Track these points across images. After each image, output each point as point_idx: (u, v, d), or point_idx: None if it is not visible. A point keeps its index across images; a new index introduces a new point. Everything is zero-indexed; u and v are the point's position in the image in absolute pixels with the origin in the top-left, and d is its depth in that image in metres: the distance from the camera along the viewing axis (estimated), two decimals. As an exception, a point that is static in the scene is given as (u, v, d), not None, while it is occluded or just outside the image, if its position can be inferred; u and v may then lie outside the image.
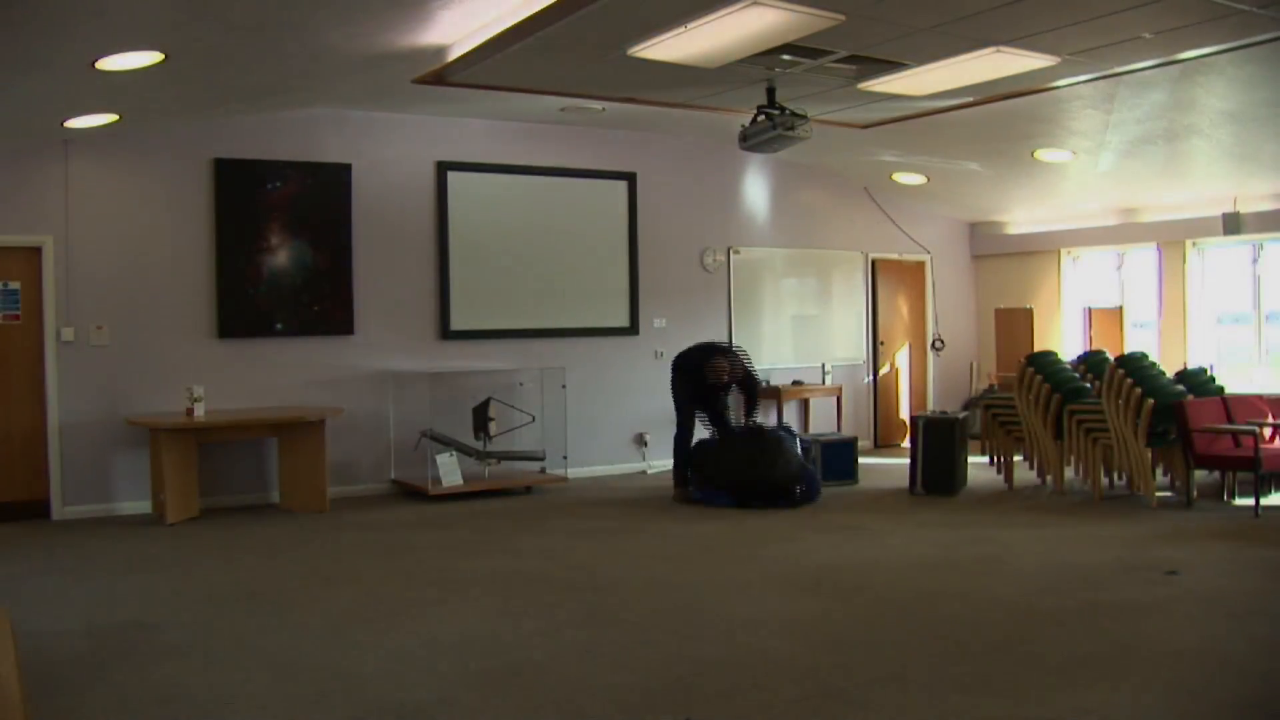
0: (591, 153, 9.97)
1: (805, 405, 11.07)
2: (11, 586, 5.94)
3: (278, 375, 8.70)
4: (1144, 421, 7.90)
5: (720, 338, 10.67)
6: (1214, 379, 8.95)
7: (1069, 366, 9.07)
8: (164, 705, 4.13)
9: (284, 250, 8.68)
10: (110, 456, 8.16)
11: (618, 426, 10.14)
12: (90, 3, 4.90)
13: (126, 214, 8.25)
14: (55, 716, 3.98)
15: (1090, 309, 11.33)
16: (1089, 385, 8.81)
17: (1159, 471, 8.40)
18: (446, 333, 9.36)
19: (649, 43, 6.47)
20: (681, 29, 6.16)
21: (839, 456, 9.37)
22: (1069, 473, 8.82)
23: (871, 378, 11.79)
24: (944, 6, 5.86)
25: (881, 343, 11.87)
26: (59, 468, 8.02)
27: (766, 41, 6.43)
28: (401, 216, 9.19)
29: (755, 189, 10.95)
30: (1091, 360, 9.14)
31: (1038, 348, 10.74)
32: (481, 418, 9.03)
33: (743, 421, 8.91)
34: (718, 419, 8.93)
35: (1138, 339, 10.66)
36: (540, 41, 6.45)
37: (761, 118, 7.87)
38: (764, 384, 10.78)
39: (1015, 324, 11.82)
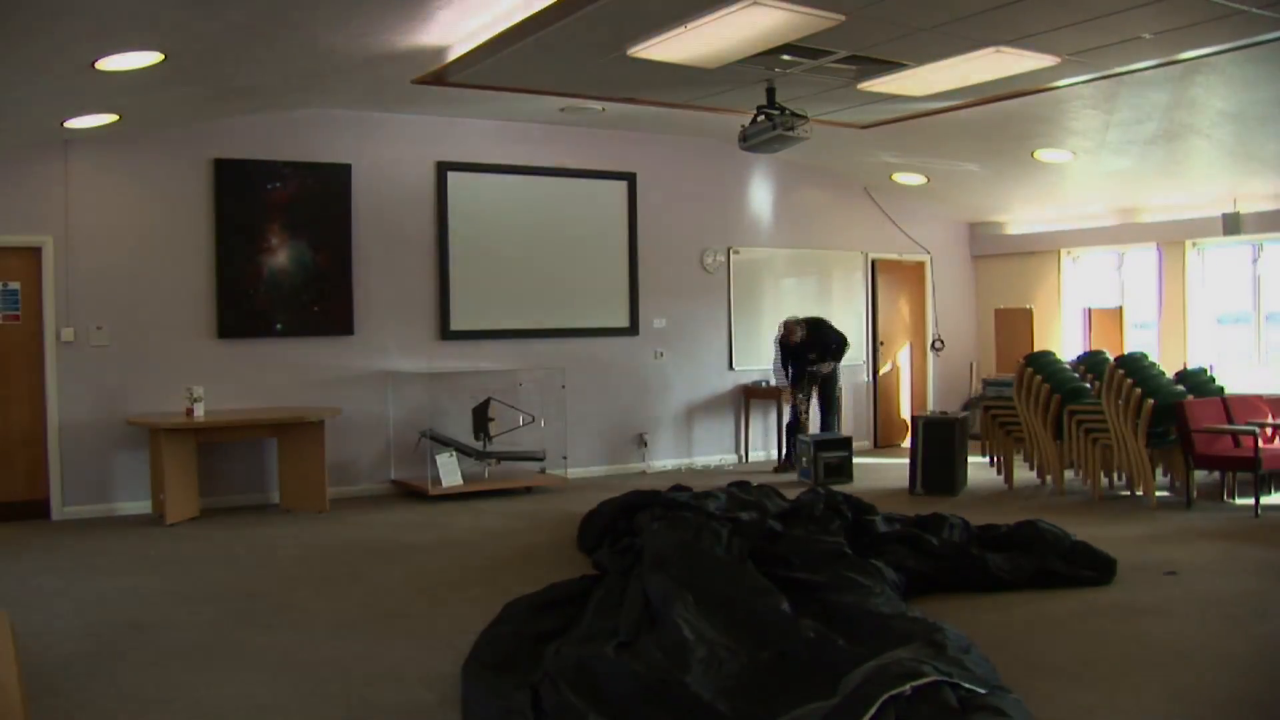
0: (591, 153, 9.96)
1: (805, 405, 11.04)
2: (11, 586, 5.95)
3: (278, 375, 8.70)
4: (1144, 422, 7.90)
5: (720, 338, 10.70)
6: (1214, 379, 8.96)
7: (1069, 367, 9.07)
8: (164, 705, 4.13)
9: (284, 250, 8.68)
10: (110, 456, 8.16)
11: (618, 426, 10.14)
12: (90, 3, 4.90)
13: (126, 214, 8.25)
14: (55, 716, 3.99)
15: (1090, 309, 11.33)
16: (1089, 385, 8.81)
17: (1159, 471, 8.40)
18: (446, 333, 9.36)
19: (649, 43, 6.48)
20: (681, 29, 6.16)
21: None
22: (1069, 473, 8.82)
23: (871, 378, 11.79)
24: (944, 6, 5.86)
25: (881, 343, 11.86)
26: (59, 468, 8.02)
27: (766, 42, 6.43)
28: (401, 216, 9.18)
29: (755, 189, 10.95)
30: (1091, 360, 9.14)
31: (1037, 348, 10.73)
32: (481, 418, 9.03)
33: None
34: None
35: (1138, 339, 10.65)
36: (540, 41, 6.45)
37: (761, 118, 7.87)
38: (765, 384, 10.77)
39: (1015, 324, 11.81)
